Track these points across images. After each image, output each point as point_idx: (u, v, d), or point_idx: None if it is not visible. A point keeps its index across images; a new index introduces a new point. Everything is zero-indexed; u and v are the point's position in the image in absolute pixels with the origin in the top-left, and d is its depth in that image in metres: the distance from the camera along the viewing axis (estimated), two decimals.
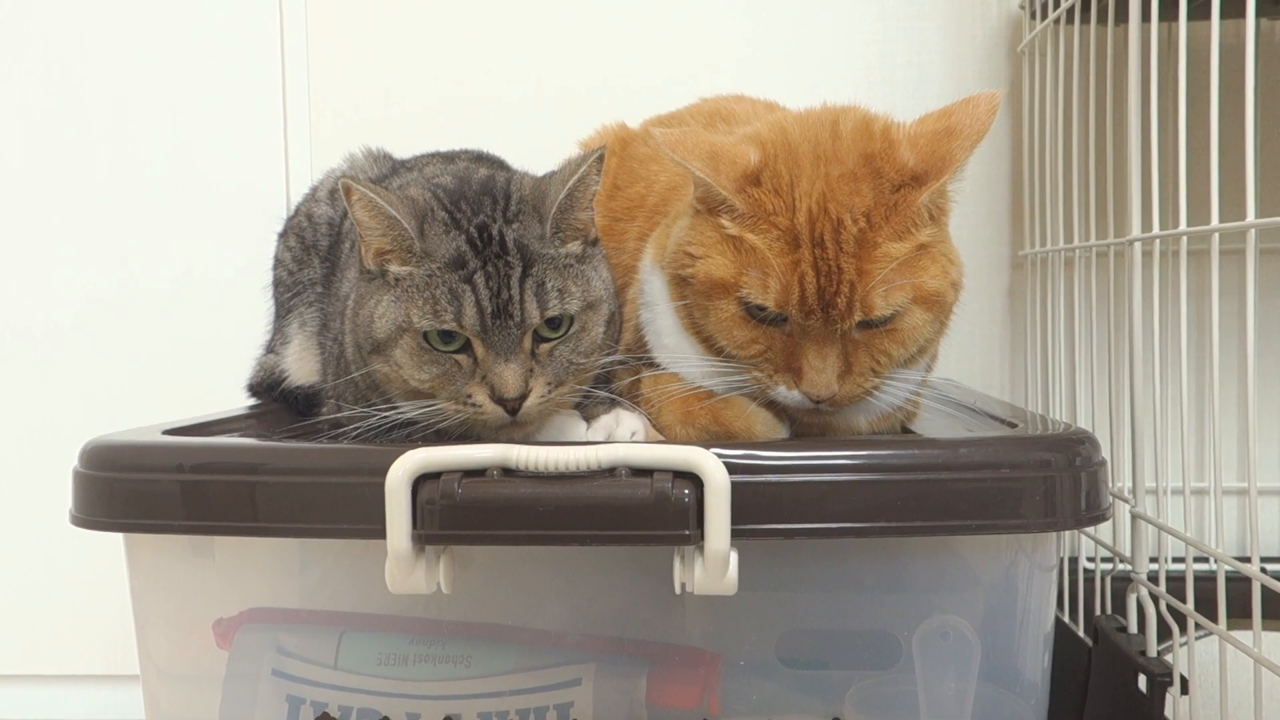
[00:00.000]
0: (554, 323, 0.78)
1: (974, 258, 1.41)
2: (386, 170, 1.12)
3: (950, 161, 0.74)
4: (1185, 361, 0.91)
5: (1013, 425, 0.82)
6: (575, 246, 0.81)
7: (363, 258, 0.80)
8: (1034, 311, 1.32)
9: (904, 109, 1.39)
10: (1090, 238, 1.12)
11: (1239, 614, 0.85)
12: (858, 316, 0.74)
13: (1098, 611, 1.07)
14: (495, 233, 0.77)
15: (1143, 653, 0.89)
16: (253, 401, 1.14)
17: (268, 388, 1.12)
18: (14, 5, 1.52)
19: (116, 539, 0.81)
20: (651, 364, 0.86)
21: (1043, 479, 0.71)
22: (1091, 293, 1.14)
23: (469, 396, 0.76)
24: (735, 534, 0.68)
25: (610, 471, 0.69)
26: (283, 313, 1.12)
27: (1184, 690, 0.84)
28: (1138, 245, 0.90)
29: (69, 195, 1.53)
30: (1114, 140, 1.08)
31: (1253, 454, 0.80)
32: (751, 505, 0.69)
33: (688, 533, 0.67)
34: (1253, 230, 0.74)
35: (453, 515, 0.68)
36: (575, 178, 0.78)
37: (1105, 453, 0.75)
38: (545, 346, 0.78)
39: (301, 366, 1.07)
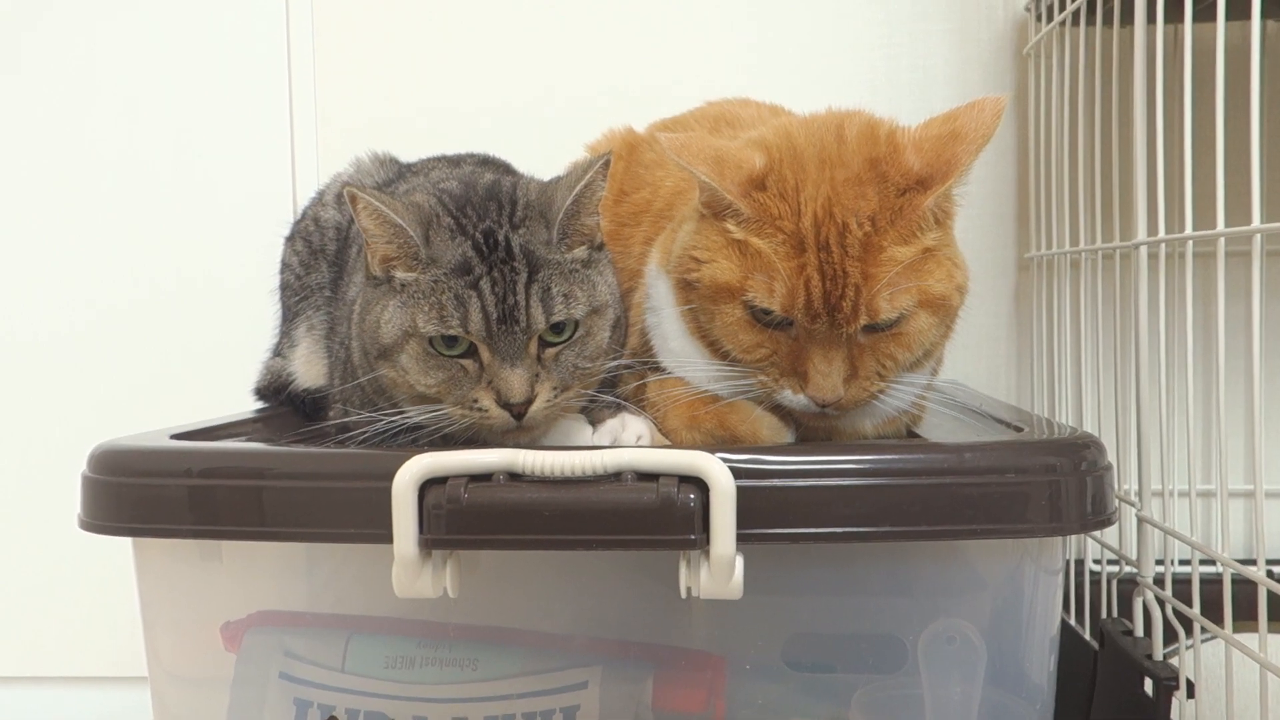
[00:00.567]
0: (559, 328, 0.78)
1: (980, 260, 1.41)
2: (393, 174, 1.12)
3: (955, 166, 0.75)
4: (1191, 365, 0.91)
5: (1018, 429, 0.82)
6: (581, 252, 0.81)
7: (369, 264, 0.80)
8: (1040, 314, 1.31)
9: (909, 112, 1.39)
10: (1096, 240, 1.12)
11: (1246, 616, 0.85)
12: (863, 320, 0.74)
13: (1104, 614, 1.07)
14: (501, 238, 0.77)
15: (1149, 656, 0.89)
16: (260, 405, 1.14)
17: (275, 391, 1.13)
18: (24, 18, 1.52)
19: (125, 543, 0.81)
20: (657, 368, 0.86)
21: (1048, 484, 0.71)
22: (1097, 295, 1.13)
23: (475, 401, 0.76)
24: (741, 538, 0.68)
25: (616, 476, 0.69)
26: (290, 316, 1.12)
27: (1190, 694, 0.84)
28: (1143, 249, 0.90)
29: (78, 201, 1.54)
30: (1119, 143, 1.08)
31: (1259, 456, 0.80)
32: (757, 510, 0.69)
33: (693, 537, 0.68)
34: (1258, 235, 0.74)
35: (459, 520, 0.69)
36: (582, 183, 0.79)
37: (1111, 455, 0.75)
38: (551, 351, 0.78)
39: (309, 370, 1.08)
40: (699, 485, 0.68)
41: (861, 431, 0.83)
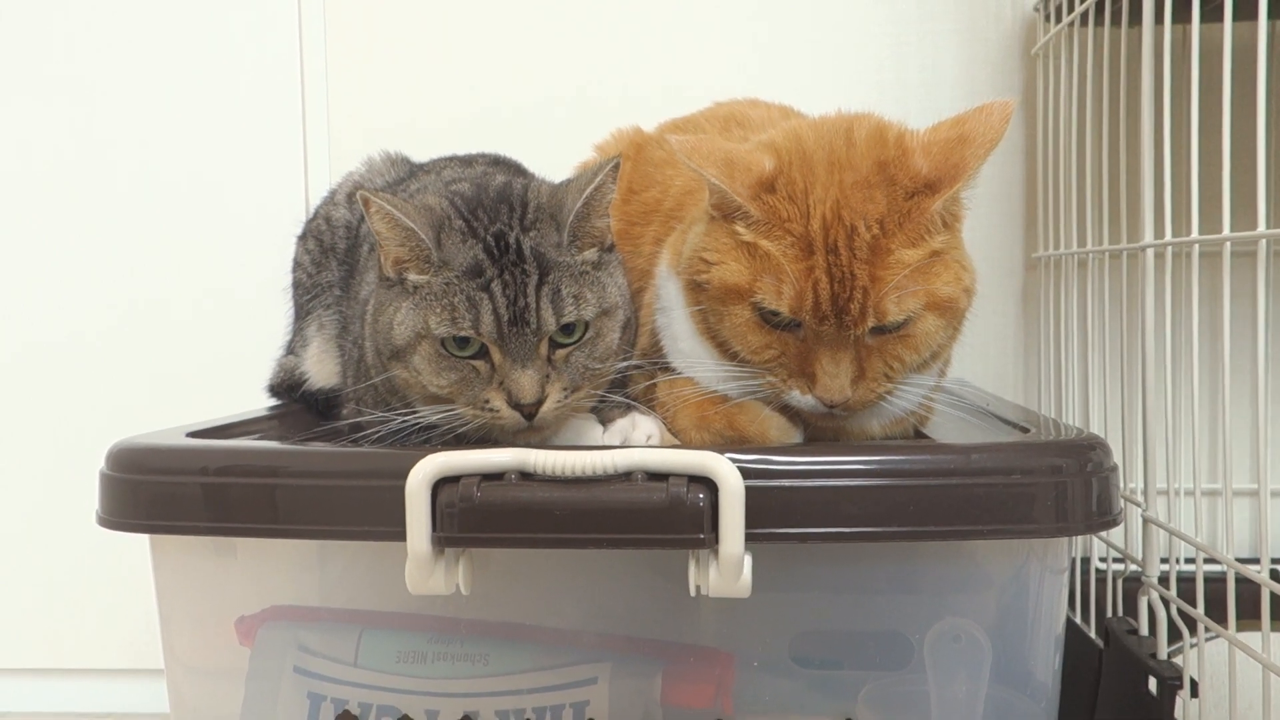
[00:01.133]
0: (569, 329, 0.79)
1: (988, 260, 1.42)
2: (404, 174, 1.13)
3: (963, 169, 0.75)
4: (1196, 366, 0.91)
5: (1025, 430, 0.83)
6: (592, 254, 0.82)
7: (382, 265, 0.81)
8: (1047, 314, 1.32)
9: (917, 112, 1.41)
10: (1104, 241, 1.12)
11: (1251, 615, 0.85)
12: (870, 322, 0.74)
13: (1109, 612, 1.07)
14: (512, 241, 0.78)
15: (1153, 655, 0.90)
16: (273, 402, 1.15)
17: (288, 389, 1.14)
18: (38, 22, 1.54)
19: (142, 538, 0.82)
20: (667, 368, 0.87)
21: (1054, 485, 0.72)
22: (1104, 295, 1.14)
23: (486, 402, 0.77)
24: (749, 538, 0.69)
25: (626, 476, 0.70)
26: (302, 315, 1.13)
27: (1194, 693, 0.85)
28: (1150, 251, 0.90)
29: (94, 202, 1.55)
30: (1127, 143, 1.09)
31: (1263, 457, 0.81)
32: (766, 509, 0.70)
33: (702, 536, 0.68)
34: (1264, 240, 0.74)
35: (471, 518, 0.70)
36: (592, 186, 0.79)
37: (1117, 454, 0.75)
38: (561, 352, 0.79)
39: (321, 369, 1.09)
40: (708, 485, 0.69)
41: (869, 432, 0.84)
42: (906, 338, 0.77)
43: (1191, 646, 0.93)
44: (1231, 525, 0.89)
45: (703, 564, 0.71)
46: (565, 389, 0.78)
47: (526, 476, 0.71)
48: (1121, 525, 0.99)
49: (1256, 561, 0.83)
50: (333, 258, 1.10)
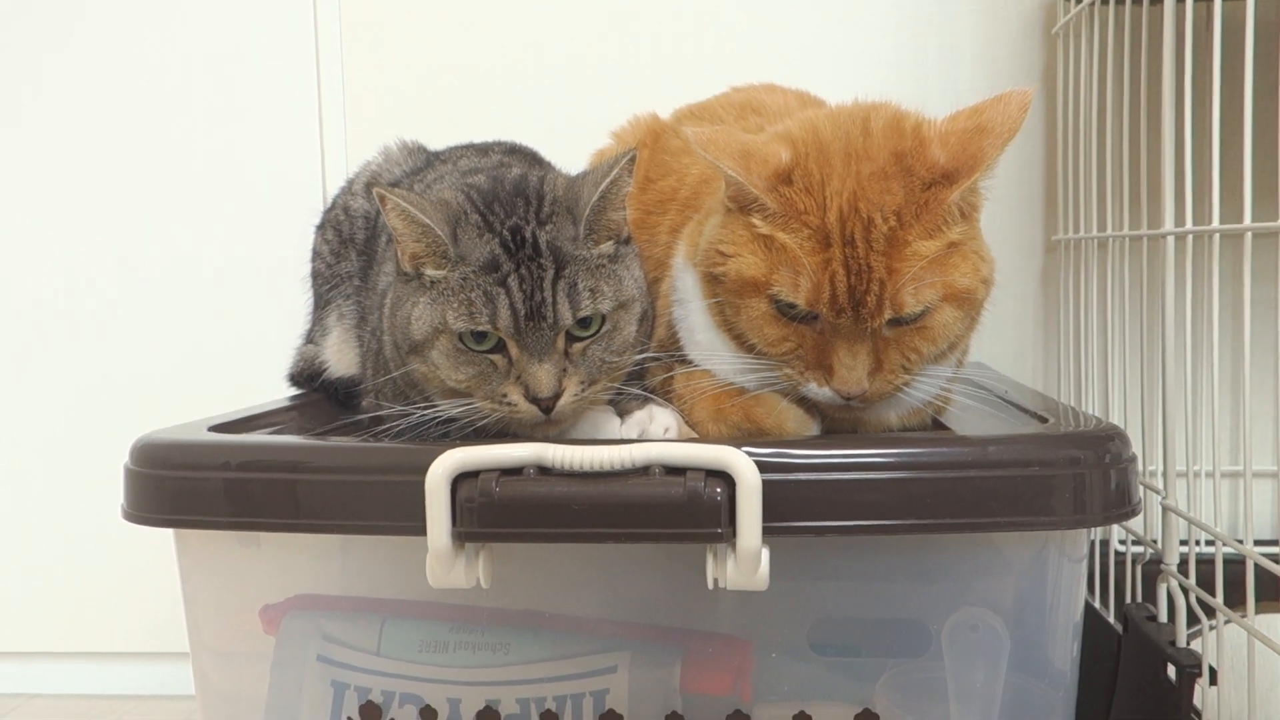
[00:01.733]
0: (586, 322, 0.79)
1: (1008, 241, 1.41)
2: (421, 163, 1.13)
3: (981, 159, 0.75)
4: (1217, 352, 0.91)
5: (1043, 420, 0.82)
6: (608, 247, 0.82)
7: (399, 260, 0.81)
8: (1067, 296, 1.31)
9: (936, 92, 1.40)
10: (1124, 224, 1.11)
11: (1272, 596, 0.85)
12: (888, 314, 0.74)
13: (1129, 595, 1.07)
14: (528, 235, 0.78)
15: (1172, 643, 0.90)
16: (294, 391, 1.16)
17: (308, 378, 1.15)
18: (67, 12, 1.55)
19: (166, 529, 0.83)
20: (684, 360, 0.87)
21: (1072, 476, 0.72)
22: (1125, 279, 1.13)
23: (504, 396, 0.78)
24: (767, 531, 0.69)
25: (644, 470, 0.70)
26: (321, 304, 1.14)
27: (1212, 681, 0.85)
28: (1171, 238, 0.90)
29: (114, 193, 1.57)
30: (1148, 126, 1.07)
31: None
32: (783, 503, 0.70)
33: (720, 531, 0.69)
34: None
35: (491, 513, 0.70)
36: (609, 179, 0.79)
37: (1136, 439, 0.75)
38: (578, 346, 0.79)
39: (341, 358, 1.09)
40: (725, 479, 0.69)
41: (887, 423, 0.84)
42: (924, 329, 0.76)
43: (1211, 628, 0.93)
44: (1251, 509, 0.89)
45: (720, 557, 0.71)
46: (582, 382, 0.79)
47: (545, 471, 0.71)
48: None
49: (1275, 543, 0.82)
50: (351, 248, 1.11)
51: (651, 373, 0.88)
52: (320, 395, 1.12)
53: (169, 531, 0.84)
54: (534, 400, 0.77)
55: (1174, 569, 0.92)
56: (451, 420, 0.80)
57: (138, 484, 0.80)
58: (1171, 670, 0.89)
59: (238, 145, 1.55)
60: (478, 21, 1.50)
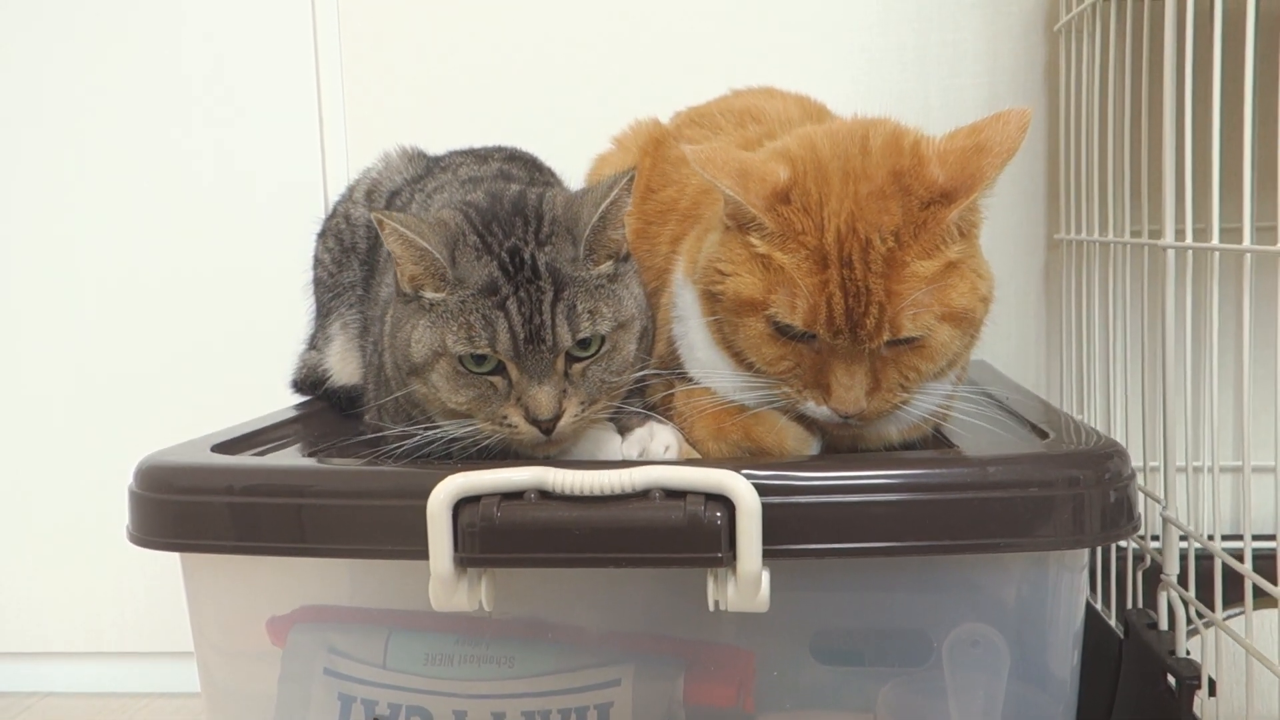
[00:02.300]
0: (586, 343, 0.79)
1: (1010, 238, 1.41)
2: (421, 170, 1.13)
3: (980, 179, 0.74)
4: (1217, 358, 0.90)
5: (1044, 434, 0.82)
6: (607, 266, 0.81)
7: (398, 281, 0.81)
8: (1069, 295, 1.31)
9: (938, 89, 1.39)
10: (1126, 224, 1.11)
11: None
12: (885, 336, 0.74)
13: (1130, 592, 1.07)
14: (527, 256, 0.78)
15: (1172, 652, 0.90)
16: (297, 398, 1.17)
17: (311, 385, 1.15)
18: (63, 14, 1.54)
19: None
20: (684, 377, 0.87)
21: (1071, 497, 0.72)
22: (1126, 280, 1.13)
23: (505, 418, 0.78)
24: (767, 554, 0.70)
25: (644, 494, 0.71)
26: (324, 313, 1.14)
27: (1211, 692, 0.85)
28: (1171, 252, 0.89)
29: (115, 198, 1.57)
30: (1150, 124, 1.06)
31: None
32: (783, 525, 0.71)
33: (720, 555, 0.69)
34: None
35: (492, 539, 0.71)
36: (608, 200, 0.79)
37: (1138, 434, 0.73)
38: (578, 366, 0.79)
39: (344, 367, 1.10)
40: (725, 502, 0.69)
41: (887, 438, 0.84)
42: (922, 349, 0.76)
43: (1207, 626, 0.93)
44: (1249, 508, 0.88)
45: (721, 580, 0.71)
46: (582, 403, 0.79)
47: (545, 495, 0.72)
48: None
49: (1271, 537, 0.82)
50: (354, 257, 1.10)
51: (652, 389, 0.88)
52: (323, 404, 1.13)
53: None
54: (534, 422, 0.77)
55: (1174, 580, 0.92)
56: (454, 440, 0.81)
57: (142, 508, 0.80)
58: (1172, 678, 0.89)
59: (238, 148, 1.54)
60: (478, 25, 1.49)
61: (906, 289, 0.73)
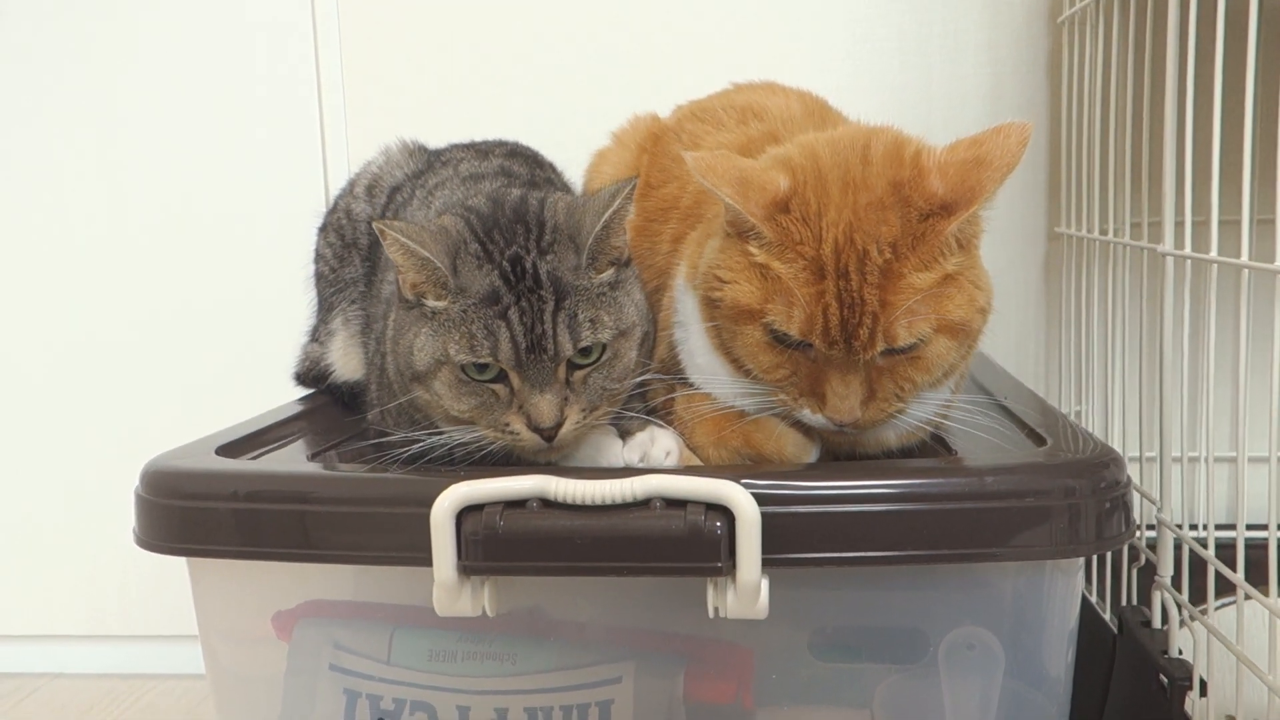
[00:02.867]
0: (587, 351, 0.79)
1: (1011, 228, 1.41)
2: (421, 165, 1.13)
3: (980, 192, 0.74)
4: (1213, 367, 0.91)
5: (1041, 440, 0.83)
6: (608, 274, 0.82)
7: (400, 288, 0.82)
8: (1069, 286, 1.31)
9: (940, 79, 1.39)
10: (1126, 218, 1.11)
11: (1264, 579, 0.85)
12: (880, 347, 0.75)
13: (1126, 589, 1.08)
14: (529, 265, 0.78)
15: (1165, 652, 0.91)
16: (301, 392, 1.18)
17: (314, 378, 1.16)
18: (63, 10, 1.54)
19: None
20: (685, 381, 0.88)
21: (1068, 507, 0.73)
22: (1125, 275, 1.13)
23: (507, 425, 0.79)
24: (766, 562, 0.71)
25: (645, 503, 0.71)
26: (326, 307, 1.15)
27: (1203, 693, 0.86)
28: (1170, 259, 0.89)
29: (116, 194, 1.58)
30: (1151, 123, 1.06)
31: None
32: (782, 535, 0.71)
33: (720, 565, 0.70)
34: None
35: (495, 547, 0.72)
36: (611, 210, 0.79)
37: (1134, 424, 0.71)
38: (580, 374, 0.79)
39: (346, 363, 1.10)
40: (725, 513, 0.70)
41: (885, 443, 0.84)
42: (917, 359, 0.77)
43: (1206, 611, 0.93)
44: (1245, 499, 0.89)
45: (721, 589, 0.72)
46: (584, 410, 0.79)
47: (547, 504, 0.73)
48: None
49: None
50: (355, 253, 1.11)
51: (654, 392, 0.89)
52: (326, 398, 1.13)
53: None
54: (536, 429, 0.78)
55: (1167, 582, 0.94)
56: (457, 446, 0.81)
57: (149, 512, 0.81)
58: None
59: (238, 140, 1.55)
60: (478, 18, 1.49)
61: (901, 300, 0.74)
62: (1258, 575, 0.87)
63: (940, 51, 1.39)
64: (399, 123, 1.25)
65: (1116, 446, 1.18)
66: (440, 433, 0.82)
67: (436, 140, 1.20)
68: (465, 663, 0.85)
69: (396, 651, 0.86)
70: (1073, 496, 0.73)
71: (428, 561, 0.73)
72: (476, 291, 0.78)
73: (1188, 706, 0.87)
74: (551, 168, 1.14)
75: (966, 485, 0.73)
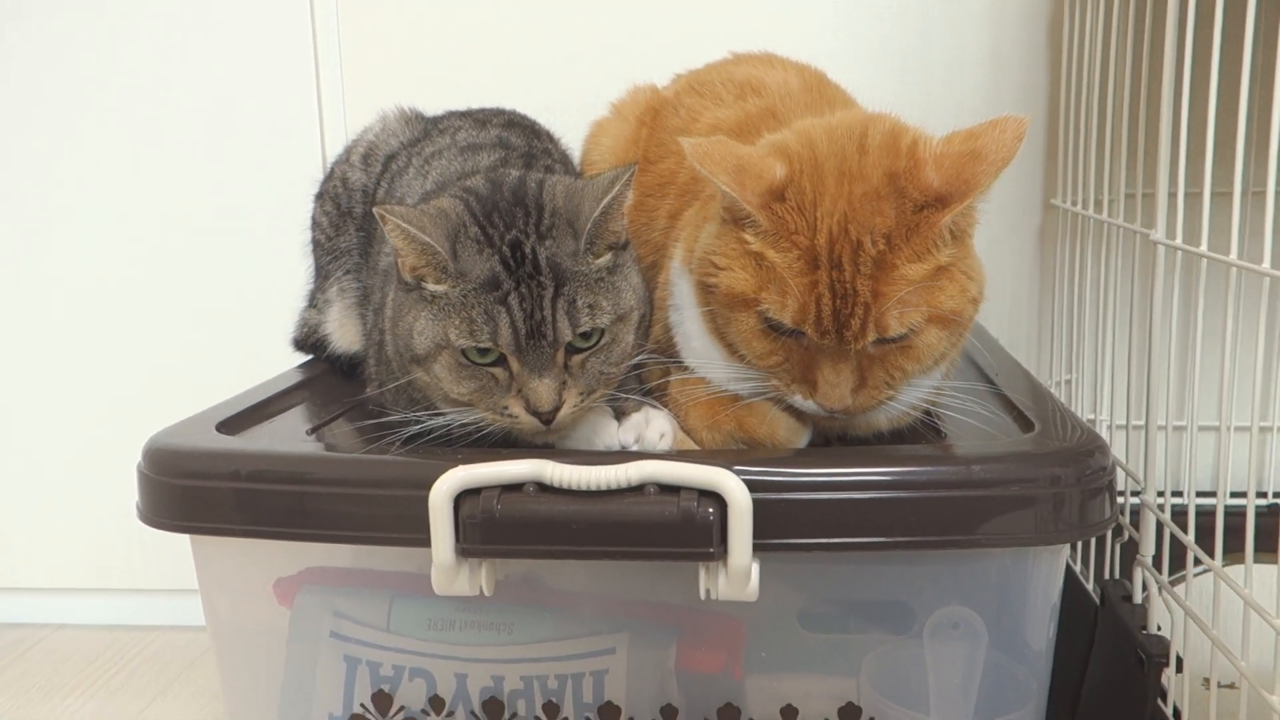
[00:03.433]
0: (586, 335, 0.80)
1: (1006, 196, 1.41)
2: (418, 133, 1.13)
3: (974, 186, 0.75)
4: (1200, 356, 0.91)
5: (1029, 424, 0.84)
6: (606, 259, 0.82)
7: (399, 270, 0.82)
8: (1063, 256, 1.32)
9: (941, 49, 1.37)
10: (1121, 191, 1.11)
11: (1264, 547, 0.86)
12: (871, 336, 0.75)
13: (1109, 561, 1.10)
14: (528, 250, 0.79)
15: (1144, 628, 0.94)
16: (300, 358, 1.19)
17: (312, 346, 1.17)
18: None
19: None
20: (680, 365, 0.89)
21: (1053, 495, 0.75)
22: (1117, 255, 1.14)
23: (506, 408, 0.80)
24: (757, 548, 0.73)
25: (639, 489, 0.73)
26: (322, 275, 1.15)
27: (1179, 669, 0.89)
28: (1161, 248, 0.90)
29: (114, 160, 1.58)
30: (1149, 100, 1.05)
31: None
32: (772, 520, 0.73)
33: (712, 550, 0.72)
34: (1267, 280, 0.73)
35: (492, 531, 0.73)
36: (610, 196, 0.80)
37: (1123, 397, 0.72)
38: (578, 358, 0.80)
39: (343, 334, 1.11)
40: (717, 499, 0.72)
41: (876, 426, 0.85)
42: (908, 349, 0.77)
43: (1188, 583, 0.95)
44: (1227, 471, 0.90)
45: (712, 572, 0.74)
46: (581, 394, 0.80)
47: (544, 488, 0.74)
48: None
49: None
50: (350, 222, 1.11)
51: (649, 373, 0.90)
52: (324, 366, 1.15)
53: None
54: (535, 413, 0.79)
55: (1148, 561, 0.95)
56: (456, 425, 0.83)
57: (151, 490, 0.83)
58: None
59: (234, 103, 1.54)
60: None
61: (894, 290, 0.74)
62: (1240, 542, 0.88)
63: (941, 19, 1.38)
64: (396, 88, 1.25)
65: (1105, 415, 1.21)
66: (440, 413, 0.83)
67: (434, 106, 1.19)
68: (463, 632, 0.87)
69: (396, 620, 0.88)
70: (1057, 485, 0.75)
71: (426, 542, 0.75)
72: (477, 276, 0.78)
73: (1165, 680, 0.90)
74: (549, 137, 1.14)
75: (953, 474, 0.74)
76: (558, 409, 0.79)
